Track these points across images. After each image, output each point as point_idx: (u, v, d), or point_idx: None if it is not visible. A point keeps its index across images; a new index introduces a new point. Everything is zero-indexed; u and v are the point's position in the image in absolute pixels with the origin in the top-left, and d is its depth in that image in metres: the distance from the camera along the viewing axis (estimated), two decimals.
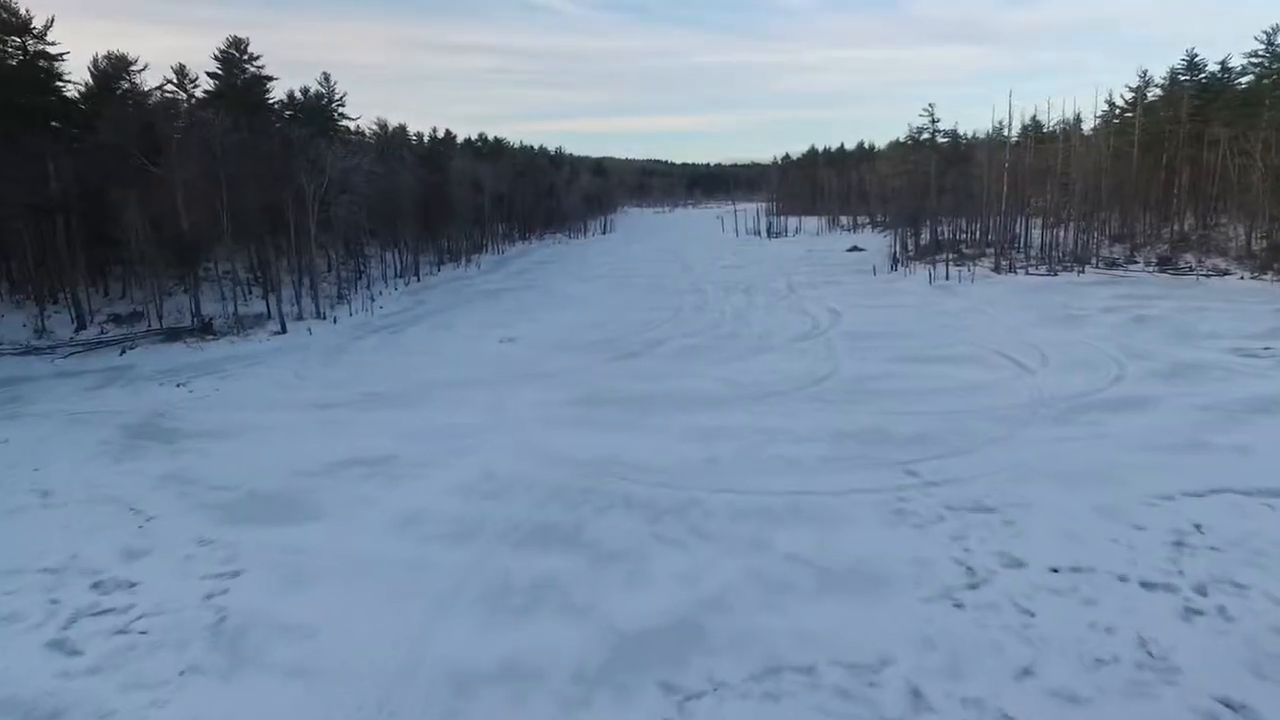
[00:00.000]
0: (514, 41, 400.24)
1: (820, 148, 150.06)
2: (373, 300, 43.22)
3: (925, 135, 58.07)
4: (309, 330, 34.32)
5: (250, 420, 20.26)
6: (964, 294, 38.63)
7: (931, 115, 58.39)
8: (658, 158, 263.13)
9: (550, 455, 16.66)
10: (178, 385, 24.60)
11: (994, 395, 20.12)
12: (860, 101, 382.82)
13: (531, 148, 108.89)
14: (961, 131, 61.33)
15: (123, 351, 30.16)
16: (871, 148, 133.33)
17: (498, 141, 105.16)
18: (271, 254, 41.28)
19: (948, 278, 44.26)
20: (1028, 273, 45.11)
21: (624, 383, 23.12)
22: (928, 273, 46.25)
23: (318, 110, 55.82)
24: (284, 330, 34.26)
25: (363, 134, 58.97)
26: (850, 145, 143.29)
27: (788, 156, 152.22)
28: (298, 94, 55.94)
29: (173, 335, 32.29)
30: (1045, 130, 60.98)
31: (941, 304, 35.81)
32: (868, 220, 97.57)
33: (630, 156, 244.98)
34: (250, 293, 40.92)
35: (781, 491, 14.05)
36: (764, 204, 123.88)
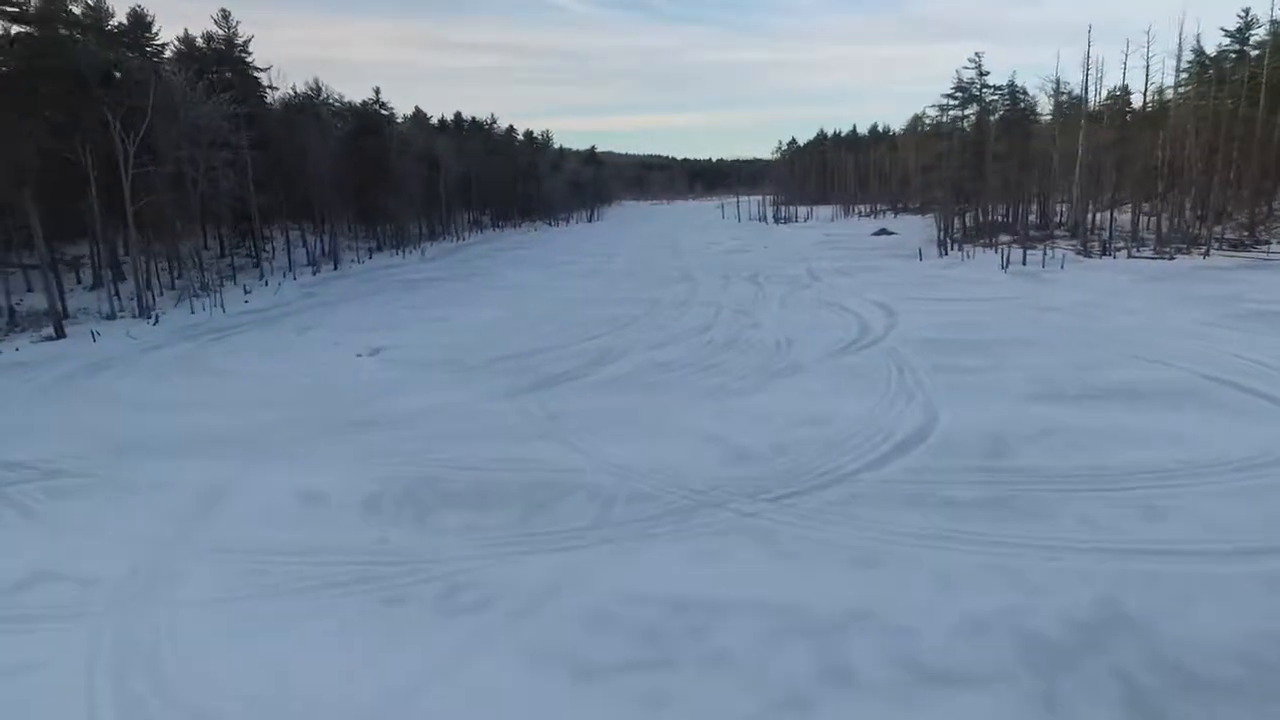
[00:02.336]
0: (517, 39, 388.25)
1: (830, 131, 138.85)
2: (246, 292, 31.85)
3: (974, 91, 46.52)
4: (94, 335, 22.88)
5: None
6: (1067, 283, 27.08)
7: (979, 65, 46.78)
8: (658, 153, 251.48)
9: None
10: None
11: None
12: (863, 99, 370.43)
13: (512, 129, 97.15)
14: (1019, 84, 49.49)
15: None
16: (886, 130, 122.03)
17: (474, 122, 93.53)
18: (98, 228, 29.77)
19: (1025, 262, 32.71)
20: (1130, 256, 33.56)
21: (507, 449, 11.68)
22: (997, 257, 34.72)
23: (217, 57, 44.27)
24: (59, 335, 22.84)
25: (274, 88, 47.48)
26: (862, 130, 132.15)
27: (794, 142, 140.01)
28: (198, 40, 44.45)
29: None
30: (1115, 96, 49.31)
31: (1043, 296, 24.27)
32: (886, 207, 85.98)
33: (630, 152, 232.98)
34: (101, 280, 29.67)
35: None
36: (768, 196, 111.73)
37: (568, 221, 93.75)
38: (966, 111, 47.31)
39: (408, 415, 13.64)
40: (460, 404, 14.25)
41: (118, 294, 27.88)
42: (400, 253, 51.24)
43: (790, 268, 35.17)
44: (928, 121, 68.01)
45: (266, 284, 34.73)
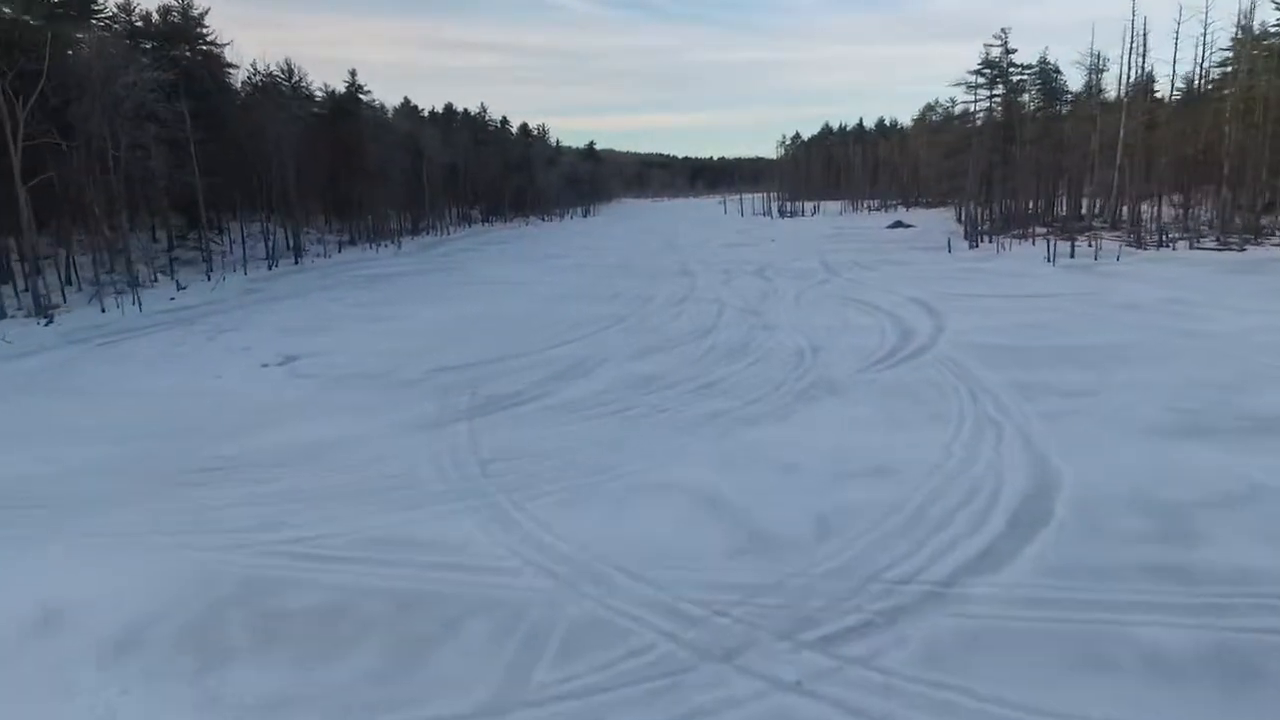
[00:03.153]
0: (516, 38, 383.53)
1: (835, 125, 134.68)
2: (180, 288, 27.82)
3: (998, 68, 42.31)
4: None
5: None
6: (1131, 276, 23.00)
7: (1005, 43, 42.68)
8: (659, 152, 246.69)
9: None
10: None
11: None
12: (865, 98, 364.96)
13: (505, 120, 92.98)
14: (1051, 60, 45.24)
15: None
16: (894, 124, 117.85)
17: (465, 114, 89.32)
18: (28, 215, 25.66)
19: (1073, 255, 28.60)
20: (1192, 247, 29.47)
21: (400, 521, 7.57)
22: (1036, 249, 30.66)
23: (168, 30, 40.16)
24: None
25: (234, 66, 43.27)
26: (869, 123, 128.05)
27: (798, 137, 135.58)
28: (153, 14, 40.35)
29: None
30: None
31: (1113, 293, 20.16)
32: (896, 200, 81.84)
33: (630, 150, 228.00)
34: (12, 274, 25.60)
35: None
36: (771, 193, 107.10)
37: (562, 218, 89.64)
38: (993, 92, 43.23)
39: (282, 454, 9.58)
40: (362, 438, 10.19)
41: (29, 289, 23.85)
42: (374, 247, 47.13)
43: (801, 261, 31.10)
44: (943, 108, 63.98)
45: (209, 279, 30.68)
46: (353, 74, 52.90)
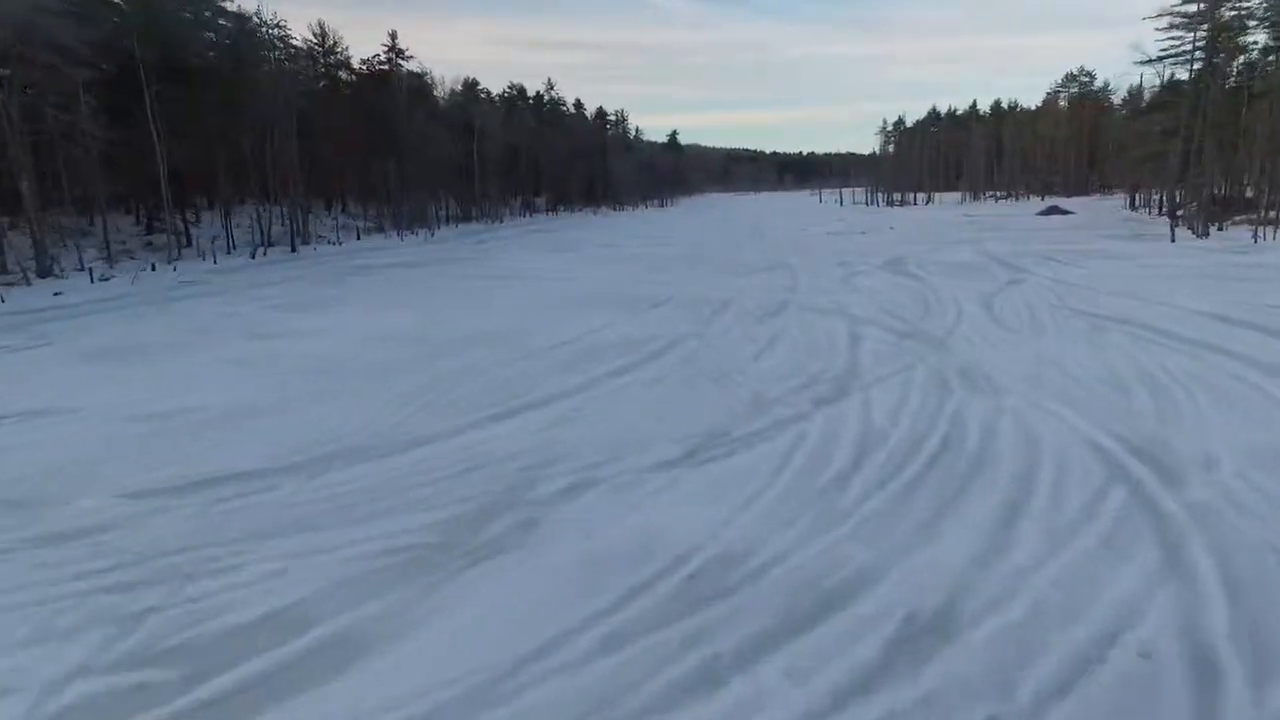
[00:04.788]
0: (608, 37, 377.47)
1: (943, 109, 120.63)
2: (100, 279, 20.75)
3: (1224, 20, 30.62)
4: None
5: None
6: None
7: None
8: (745, 147, 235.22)
9: None
10: None
11: None
12: (958, 92, 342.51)
13: (579, 102, 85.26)
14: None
15: None
16: (1014, 105, 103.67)
17: (537, 96, 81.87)
18: None
19: None
20: None
21: None
22: None
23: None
24: None
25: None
26: (983, 106, 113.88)
27: (900, 123, 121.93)
28: None
29: None
30: None
31: None
32: (1022, 191, 69.54)
33: (716, 146, 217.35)
34: None
35: None
36: (865, 188, 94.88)
37: (635, 208, 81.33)
38: (1197, 37, 31.76)
39: None
40: None
41: None
42: (403, 234, 39.84)
43: (949, 253, 21.50)
44: (1082, 81, 51.98)
45: (154, 268, 23.65)
46: (392, 36, 45.75)
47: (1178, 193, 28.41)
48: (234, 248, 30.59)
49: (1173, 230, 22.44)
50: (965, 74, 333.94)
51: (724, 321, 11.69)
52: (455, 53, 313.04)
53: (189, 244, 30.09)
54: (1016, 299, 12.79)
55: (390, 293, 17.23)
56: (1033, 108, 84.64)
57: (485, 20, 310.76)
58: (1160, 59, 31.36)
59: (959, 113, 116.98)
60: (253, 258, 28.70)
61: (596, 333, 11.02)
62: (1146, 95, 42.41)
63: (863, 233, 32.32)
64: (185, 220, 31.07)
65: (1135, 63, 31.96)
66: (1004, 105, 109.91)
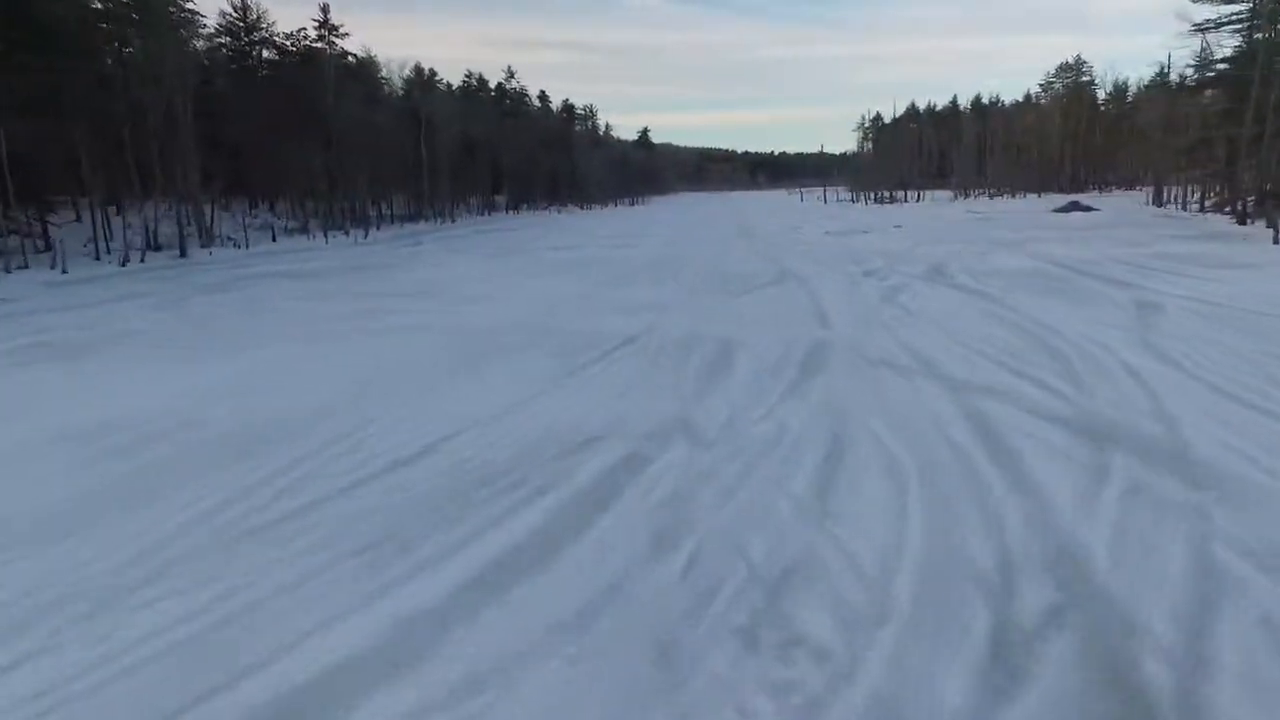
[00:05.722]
0: (578, 36, 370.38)
1: (923, 106, 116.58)
2: None
3: None
4: None
5: None
6: None
7: None
8: (718, 147, 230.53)
9: None
10: None
11: None
12: (936, 92, 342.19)
13: (544, 94, 79.88)
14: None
15: None
16: (996, 100, 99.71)
17: (500, 88, 76.13)
18: None
19: None
20: None
21: None
22: None
23: None
24: None
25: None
26: (963, 103, 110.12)
27: (878, 119, 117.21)
28: None
29: None
30: None
31: None
32: (1021, 188, 65.45)
33: (688, 145, 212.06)
34: None
35: None
36: (840, 186, 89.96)
37: (604, 207, 76.16)
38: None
39: None
40: None
41: None
42: (329, 236, 34.26)
43: (998, 257, 16.64)
44: (1085, 69, 47.82)
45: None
46: (324, 10, 39.99)
47: (1243, 183, 23.95)
48: (108, 252, 24.97)
49: (1277, 229, 17.75)
50: (941, 75, 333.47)
51: (730, 395, 6.53)
52: (424, 51, 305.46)
53: (47, 247, 24.46)
54: (1199, 344, 7.85)
55: (207, 331, 11.74)
56: (1021, 99, 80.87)
57: (449, 19, 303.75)
58: (1218, 25, 26.75)
59: (938, 108, 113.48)
60: (123, 265, 23.11)
61: (472, 432, 5.78)
62: (1173, 77, 38.17)
63: (865, 232, 27.54)
64: (43, 219, 25.39)
65: (1190, 30, 27.29)
66: (985, 101, 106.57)
